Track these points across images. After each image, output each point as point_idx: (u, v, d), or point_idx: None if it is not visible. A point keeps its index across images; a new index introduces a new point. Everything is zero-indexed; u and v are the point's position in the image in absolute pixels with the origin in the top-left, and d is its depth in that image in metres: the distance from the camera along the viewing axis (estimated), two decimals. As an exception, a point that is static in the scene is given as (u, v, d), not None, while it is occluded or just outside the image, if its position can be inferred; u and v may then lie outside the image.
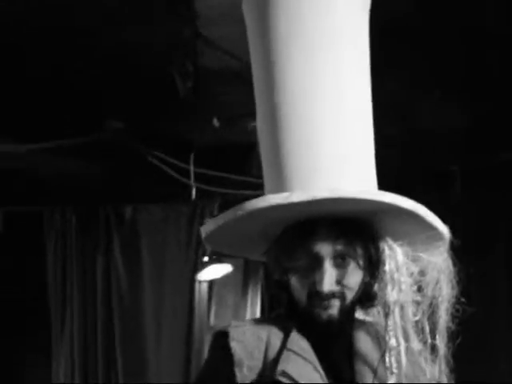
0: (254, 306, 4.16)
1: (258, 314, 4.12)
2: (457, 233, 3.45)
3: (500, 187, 3.60)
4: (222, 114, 3.61)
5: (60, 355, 4.28)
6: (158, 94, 3.44)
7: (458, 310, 1.37)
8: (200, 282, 4.08)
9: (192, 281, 4.07)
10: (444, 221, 3.52)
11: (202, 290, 4.12)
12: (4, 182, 4.22)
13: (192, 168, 3.76)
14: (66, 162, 4.01)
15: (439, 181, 3.66)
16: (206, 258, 3.93)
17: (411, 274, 1.33)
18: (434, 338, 1.36)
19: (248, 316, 4.12)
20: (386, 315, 1.31)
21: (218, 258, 3.93)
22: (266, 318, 1.53)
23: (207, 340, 4.03)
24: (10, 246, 4.45)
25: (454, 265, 1.37)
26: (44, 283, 4.40)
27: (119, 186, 4.20)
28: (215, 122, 3.65)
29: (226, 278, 4.09)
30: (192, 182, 3.65)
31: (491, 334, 3.59)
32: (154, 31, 2.91)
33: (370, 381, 1.34)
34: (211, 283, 4.15)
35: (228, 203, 3.82)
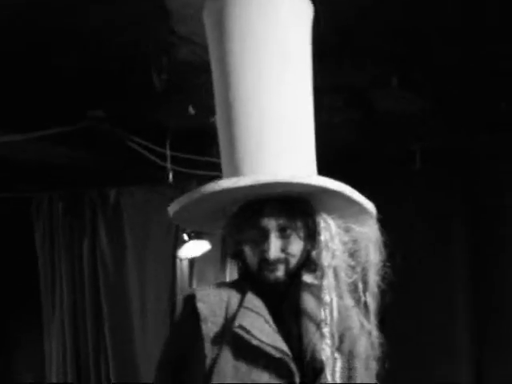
0: (234, 280, 4.43)
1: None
2: (416, 209, 3.74)
3: (458, 167, 3.86)
4: (196, 101, 3.84)
5: (51, 335, 4.52)
6: (137, 85, 3.66)
7: (385, 272, 1.65)
8: (181, 259, 4.32)
9: (174, 258, 4.31)
10: (404, 197, 3.82)
11: (183, 266, 4.37)
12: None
13: (168, 152, 3.98)
14: (52, 150, 4.21)
15: (400, 160, 3.92)
16: (185, 236, 4.17)
17: (344, 243, 1.60)
18: (365, 295, 1.63)
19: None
20: (322, 277, 1.58)
21: (195, 235, 4.16)
22: (227, 282, 1.80)
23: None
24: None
25: (382, 234, 1.64)
26: (34, 266, 4.64)
27: (103, 171, 4.43)
28: (191, 110, 3.88)
29: (205, 256, 4.33)
30: (168, 165, 3.87)
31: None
32: (131, 29, 3.13)
33: (315, 335, 1.61)
34: (192, 261, 4.40)
35: (203, 184, 4.09)
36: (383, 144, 3.86)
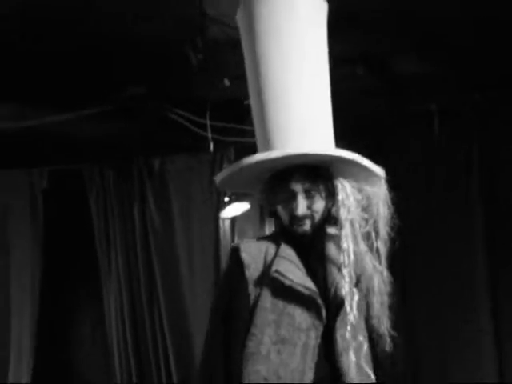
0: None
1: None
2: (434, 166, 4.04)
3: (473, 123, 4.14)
4: (231, 74, 4.18)
5: (109, 293, 4.95)
6: (176, 62, 4.02)
7: (393, 224, 2.01)
8: (223, 219, 4.71)
9: (216, 219, 4.68)
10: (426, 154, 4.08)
11: (225, 226, 4.76)
12: (48, 145, 4.86)
13: (208, 122, 4.33)
14: (100, 126, 4.62)
15: (420, 120, 4.22)
16: (226, 199, 4.52)
17: (358, 200, 1.97)
18: (377, 242, 2.00)
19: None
20: (340, 228, 1.96)
21: (236, 198, 4.53)
22: (265, 236, 2.17)
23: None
24: (54, 201, 5.12)
25: (389, 192, 2.00)
26: (90, 231, 5.06)
27: (147, 142, 4.82)
28: (226, 82, 4.23)
29: (245, 215, 4.71)
30: (209, 135, 4.22)
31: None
32: (169, 14, 3.48)
33: (337, 275, 1.99)
34: (233, 220, 4.79)
35: (241, 150, 4.45)
36: (403, 107, 4.16)
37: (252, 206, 4.64)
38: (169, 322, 4.77)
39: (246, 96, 4.58)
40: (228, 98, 4.45)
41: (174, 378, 4.76)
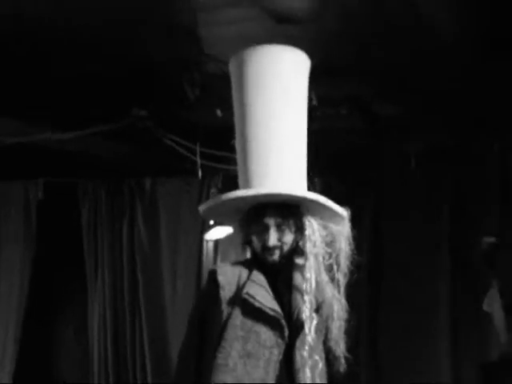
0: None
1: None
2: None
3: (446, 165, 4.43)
4: (223, 106, 4.47)
5: (94, 301, 5.19)
6: (173, 92, 4.31)
7: (353, 258, 2.29)
8: (207, 241, 4.98)
9: (201, 240, 4.95)
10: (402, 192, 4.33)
11: (209, 247, 5.03)
12: (46, 158, 5.11)
13: (198, 149, 4.61)
14: (98, 144, 4.89)
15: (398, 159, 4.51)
16: (211, 222, 4.80)
17: (323, 236, 2.24)
18: (337, 274, 2.27)
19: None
20: (306, 260, 2.23)
21: (220, 222, 4.80)
22: (240, 261, 2.43)
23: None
24: (48, 211, 5.37)
25: (351, 231, 2.27)
26: (79, 243, 5.29)
27: (141, 163, 5.10)
28: (218, 113, 4.51)
29: (228, 238, 4.97)
30: (198, 162, 4.49)
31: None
32: (170, 50, 3.77)
33: (300, 301, 2.25)
34: (217, 242, 5.06)
35: (229, 177, 4.73)
36: (383, 146, 4.46)
37: (235, 230, 4.90)
38: (149, 333, 5.01)
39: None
40: (219, 127, 4.74)
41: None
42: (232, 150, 4.88)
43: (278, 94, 2.27)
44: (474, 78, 3.88)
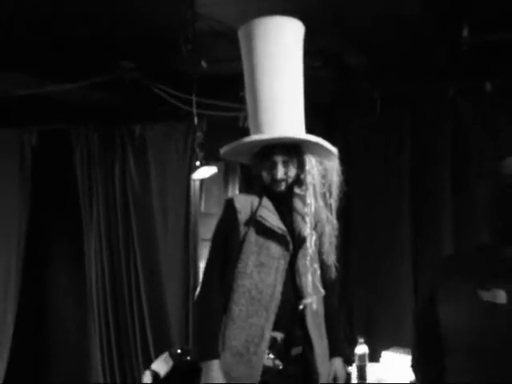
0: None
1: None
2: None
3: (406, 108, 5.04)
4: (208, 58, 4.93)
5: (90, 241, 5.60)
6: (164, 46, 4.75)
7: (342, 187, 2.87)
8: (194, 180, 5.49)
9: (188, 180, 5.38)
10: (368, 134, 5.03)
11: (195, 186, 5.54)
12: (41, 108, 5.53)
13: (194, 99, 5.02)
14: (92, 94, 5.32)
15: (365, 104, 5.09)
16: (197, 163, 5.28)
17: (319, 170, 2.82)
18: (330, 200, 2.85)
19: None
20: (306, 189, 2.80)
21: (206, 163, 5.28)
22: (251, 192, 2.96)
23: (200, 221, 5.53)
24: (43, 158, 5.76)
25: (340, 165, 2.85)
26: (74, 187, 5.69)
27: (131, 111, 5.55)
28: (203, 64, 4.98)
29: (211, 177, 5.44)
30: (194, 109, 4.92)
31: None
32: (164, 10, 4.22)
33: (300, 222, 2.83)
34: (202, 181, 5.56)
35: (212, 123, 5.23)
36: (352, 93, 5.03)
37: (219, 170, 5.42)
38: (143, 264, 5.46)
39: (219, 75, 5.35)
40: (204, 76, 5.22)
41: (147, 324, 5.45)
42: (216, 97, 5.39)
43: (282, 57, 2.81)
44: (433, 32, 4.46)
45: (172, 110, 5.32)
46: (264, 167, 2.81)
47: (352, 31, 4.52)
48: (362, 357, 3.89)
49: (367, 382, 4.00)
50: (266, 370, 2.71)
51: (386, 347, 4.23)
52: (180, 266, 5.47)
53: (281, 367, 2.75)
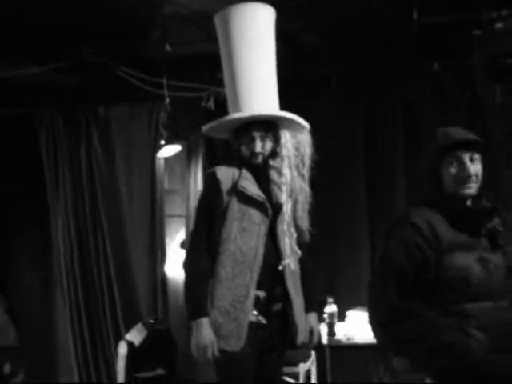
0: (196, 173, 5.83)
1: (198, 178, 5.79)
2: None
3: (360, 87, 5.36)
4: (172, 41, 5.15)
5: (57, 217, 5.84)
6: (131, 31, 4.96)
7: (314, 158, 3.17)
8: (159, 158, 5.72)
9: (153, 158, 5.64)
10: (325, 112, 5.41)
11: (160, 164, 5.76)
12: (7, 92, 5.64)
13: (165, 82, 5.24)
14: (57, 77, 5.48)
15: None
16: (162, 142, 5.49)
17: (293, 143, 3.11)
18: (303, 170, 3.15)
19: (191, 180, 5.83)
20: (281, 161, 3.10)
21: (170, 141, 5.50)
22: (231, 164, 3.20)
23: (165, 198, 5.77)
24: (6, 143, 5.86)
25: (311, 138, 3.15)
26: (40, 168, 5.85)
27: (95, 93, 5.73)
28: (167, 47, 5.20)
29: (175, 155, 5.66)
30: (165, 92, 5.12)
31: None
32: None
33: (277, 191, 3.12)
34: (166, 159, 5.80)
35: (174, 102, 5.44)
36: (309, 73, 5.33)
37: (182, 149, 5.66)
38: (111, 246, 5.69)
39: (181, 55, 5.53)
40: (168, 58, 5.43)
41: (117, 297, 5.68)
42: (176, 78, 5.58)
43: (257, 41, 3.08)
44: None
45: (136, 93, 5.52)
46: (243, 142, 3.08)
47: (310, 12, 4.81)
48: (331, 315, 4.24)
49: (336, 338, 4.37)
50: (251, 326, 3.00)
51: (350, 307, 4.60)
52: (147, 242, 5.72)
53: (264, 322, 3.04)
